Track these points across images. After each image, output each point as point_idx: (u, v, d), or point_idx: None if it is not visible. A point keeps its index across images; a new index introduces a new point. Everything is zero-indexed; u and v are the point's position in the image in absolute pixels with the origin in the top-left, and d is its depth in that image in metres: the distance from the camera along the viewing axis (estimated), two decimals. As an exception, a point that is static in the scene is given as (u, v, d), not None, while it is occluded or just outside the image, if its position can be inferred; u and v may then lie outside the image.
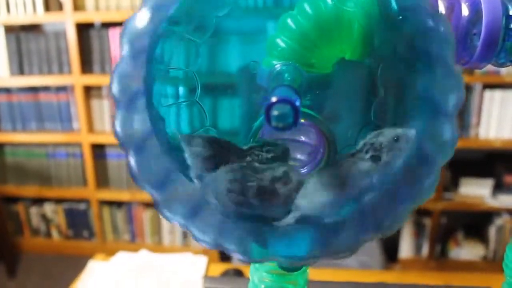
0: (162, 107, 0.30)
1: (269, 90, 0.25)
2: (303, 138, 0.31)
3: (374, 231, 0.24)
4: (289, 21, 0.28)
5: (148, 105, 0.26)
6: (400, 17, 0.26)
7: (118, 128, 0.25)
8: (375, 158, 0.25)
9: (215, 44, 0.29)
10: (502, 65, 0.32)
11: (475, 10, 0.30)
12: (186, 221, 0.25)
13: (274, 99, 0.20)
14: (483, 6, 0.30)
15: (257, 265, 0.35)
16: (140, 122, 0.25)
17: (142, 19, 0.25)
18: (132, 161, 0.25)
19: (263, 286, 0.34)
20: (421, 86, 0.24)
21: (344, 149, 0.29)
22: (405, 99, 0.27)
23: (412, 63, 0.25)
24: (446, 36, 0.23)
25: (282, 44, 0.28)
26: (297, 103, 0.20)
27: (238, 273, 0.85)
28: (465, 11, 0.31)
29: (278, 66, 0.27)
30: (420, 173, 0.24)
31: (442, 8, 0.31)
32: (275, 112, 0.21)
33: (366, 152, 0.25)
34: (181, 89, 0.31)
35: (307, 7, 0.27)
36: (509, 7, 0.30)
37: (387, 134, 0.25)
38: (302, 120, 0.29)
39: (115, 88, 0.25)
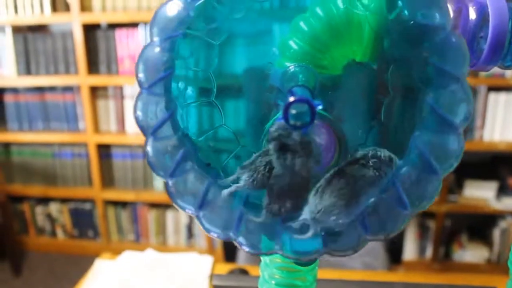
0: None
1: (284, 90, 0.25)
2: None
3: (376, 233, 0.25)
4: (301, 23, 0.28)
5: (166, 92, 0.27)
6: (412, 22, 0.27)
7: (138, 112, 0.26)
8: (376, 167, 0.26)
9: (221, 46, 0.30)
10: (508, 67, 0.33)
11: (482, 13, 0.31)
12: (196, 211, 0.26)
13: (292, 99, 0.21)
14: (490, 10, 0.30)
15: (267, 261, 0.35)
16: (159, 109, 0.27)
17: (173, 6, 0.26)
18: (149, 147, 0.26)
19: (273, 282, 0.35)
20: (430, 100, 0.25)
21: (355, 149, 0.30)
22: (414, 105, 0.28)
23: (424, 76, 0.26)
24: (462, 53, 0.24)
25: (294, 46, 0.29)
26: (314, 103, 0.21)
27: (244, 273, 0.86)
28: (472, 15, 0.32)
29: (291, 67, 0.28)
30: (424, 180, 0.25)
31: (450, 12, 0.32)
32: (293, 111, 0.22)
33: (368, 161, 0.26)
34: (189, 90, 0.31)
35: (319, 10, 0.28)
36: (516, 11, 0.30)
37: (385, 152, 0.26)
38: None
39: (141, 71, 0.26)
